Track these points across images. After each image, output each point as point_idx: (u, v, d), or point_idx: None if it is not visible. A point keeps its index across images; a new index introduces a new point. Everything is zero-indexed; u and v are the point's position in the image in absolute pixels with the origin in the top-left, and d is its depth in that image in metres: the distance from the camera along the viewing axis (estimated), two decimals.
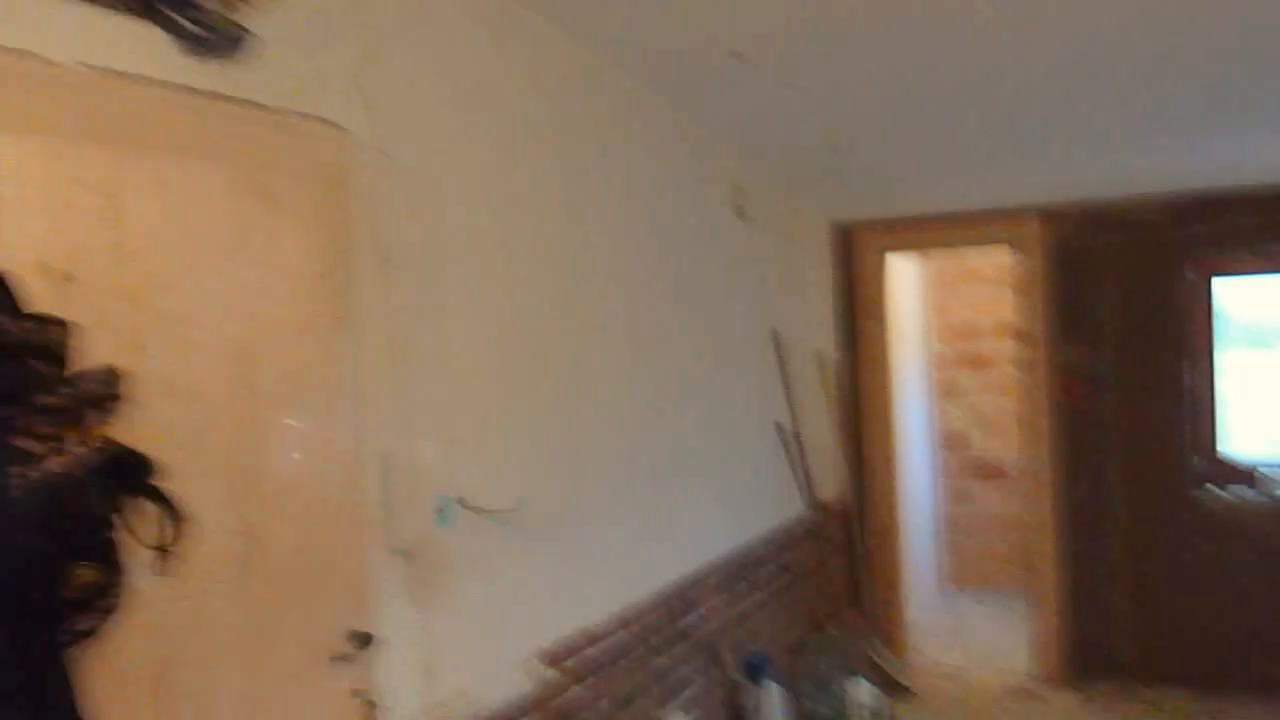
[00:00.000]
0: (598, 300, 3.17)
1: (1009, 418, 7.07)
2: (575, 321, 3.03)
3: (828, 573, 5.17)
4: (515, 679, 2.65)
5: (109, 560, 1.59)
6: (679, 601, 3.66)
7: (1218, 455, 5.33)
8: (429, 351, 2.39)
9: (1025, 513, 5.81)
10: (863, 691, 4.80)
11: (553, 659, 2.83)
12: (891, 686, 5.37)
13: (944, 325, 7.30)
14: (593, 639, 3.07)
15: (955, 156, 4.50)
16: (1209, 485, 5.29)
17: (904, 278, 6.59)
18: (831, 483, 5.46)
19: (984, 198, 5.40)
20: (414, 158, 2.36)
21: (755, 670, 4.13)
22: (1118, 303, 5.38)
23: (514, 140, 2.75)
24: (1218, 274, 5.29)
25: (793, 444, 4.89)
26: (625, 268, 3.37)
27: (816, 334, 5.49)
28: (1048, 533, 5.53)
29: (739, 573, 4.22)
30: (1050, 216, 5.45)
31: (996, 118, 3.90)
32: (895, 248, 5.89)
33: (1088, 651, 5.49)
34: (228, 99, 1.86)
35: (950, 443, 7.35)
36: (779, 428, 4.79)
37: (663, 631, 3.53)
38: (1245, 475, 5.25)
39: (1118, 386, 5.39)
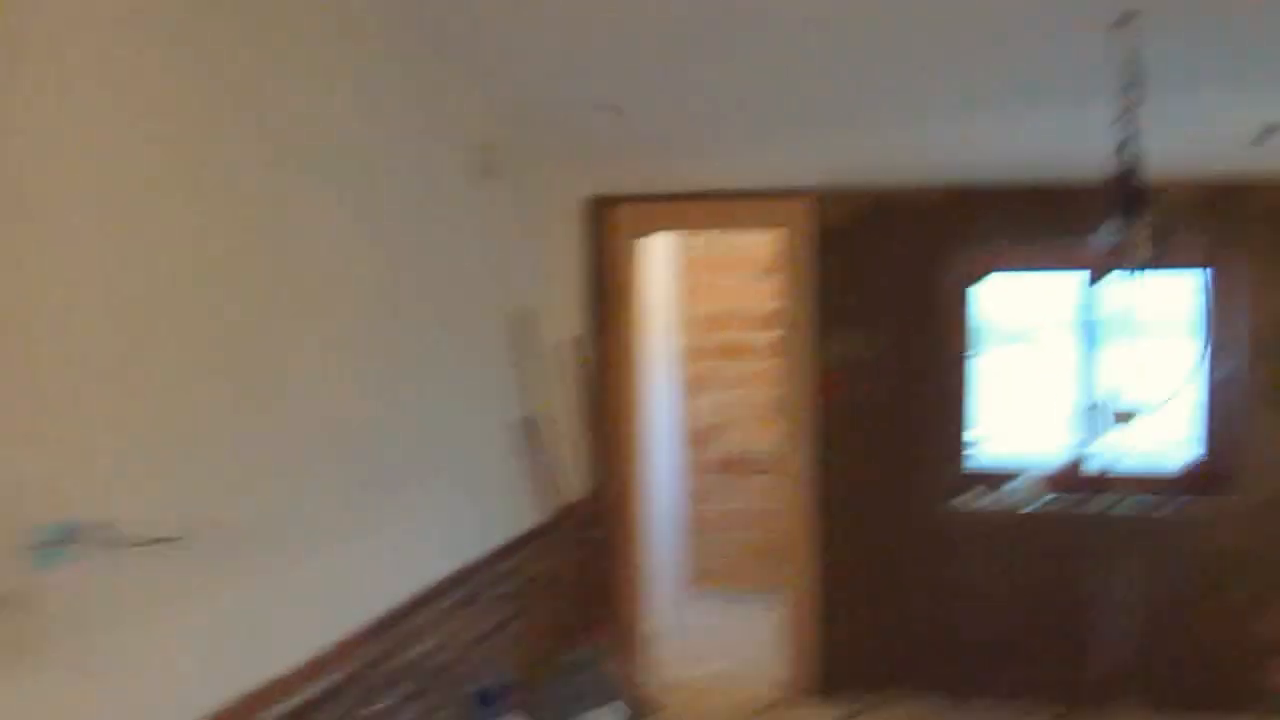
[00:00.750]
0: (294, 267, 2.50)
1: (761, 412, 6.83)
2: (263, 292, 2.36)
3: (573, 584, 4.67)
4: None
5: None
6: (402, 631, 3.05)
7: (970, 463, 5.20)
8: (34, 326, 1.68)
9: (780, 512, 5.52)
10: (609, 715, 4.33)
11: None
12: (640, 705, 4.94)
13: (697, 313, 6.97)
14: (287, 690, 2.42)
15: (728, 130, 4.08)
16: (961, 493, 5.15)
17: (658, 261, 6.19)
18: (578, 484, 4.96)
19: (755, 177, 5.04)
20: (6, 50, 1.65)
21: (489, 703, 3.57)
22: (884, 297, 5.15)
23: (176, 46, 2.06)
24: (984, 271, 5.14)
25: (538, 442, 4.35)
26: (334, 230, 2.71)
27: (566, 320, 4.98)
28: (803, 535, 5.25)
29: (475, 591, 3.65)
30: (822, 200, 5.15)
31: (773, 88, 3.50)
32: (657, 227, 5.46)
33: (842, 660, 5.25)
34: None
35: (700, 438, 7.03)
36: (523, 423, 4.24)
37: (382, 669, 2.91)
38: (995, 484, 5.14)
39: (881, 384, 5.17)
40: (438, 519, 3.39)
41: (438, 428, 3.41)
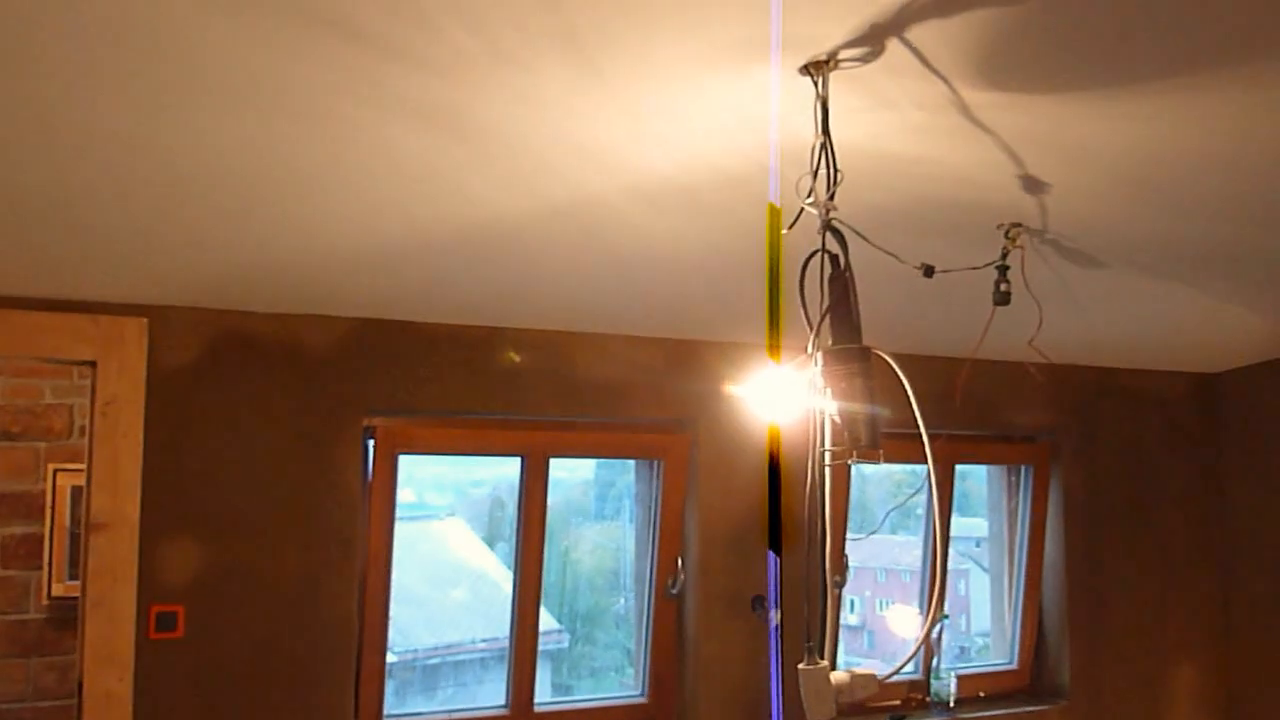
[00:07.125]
0: None
1: None
2: None
3: None
4: None
5: None
6: None
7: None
8: None
9: None
10: None
11: None
12: None
13: None
14: None
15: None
16: None
17: None
18: None
19: (31, 278, 2.91)
20: None
21: None
22: (255, 482, 3.31)
23: None
24: (404, 450, 3.55)
25: None
26: None
27: None
28: None
29: None
30: (167, 326, 3.21)
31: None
32: None
33: None
34: None
35: None
36: None
37: None
38: None
39: (247, 623, 3.28)
40: None
41: None
